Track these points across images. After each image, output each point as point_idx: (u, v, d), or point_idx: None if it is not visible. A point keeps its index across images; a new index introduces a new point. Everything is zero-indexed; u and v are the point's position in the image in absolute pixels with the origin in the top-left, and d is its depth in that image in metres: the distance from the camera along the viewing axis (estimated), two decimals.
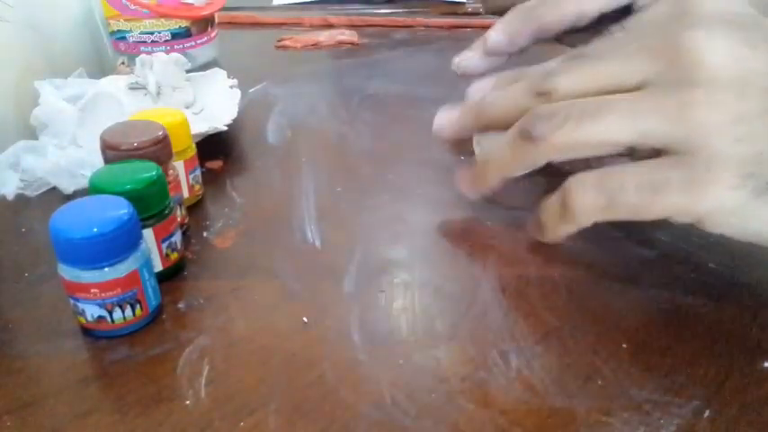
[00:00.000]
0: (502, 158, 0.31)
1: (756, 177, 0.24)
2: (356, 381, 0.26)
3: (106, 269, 0.26)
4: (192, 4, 0.59)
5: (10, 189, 0.39)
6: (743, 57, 0.25)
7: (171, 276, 0.32)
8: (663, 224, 0.35)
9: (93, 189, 0.29)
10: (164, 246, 0.31)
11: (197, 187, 0.39)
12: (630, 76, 0.27)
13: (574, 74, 0.29)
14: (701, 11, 0.26)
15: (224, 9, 0.65)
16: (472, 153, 0.34)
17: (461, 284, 0.31)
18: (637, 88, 0.27)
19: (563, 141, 0.28)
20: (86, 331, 0.28)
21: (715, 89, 0.25)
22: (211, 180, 0.41)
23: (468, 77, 0.36)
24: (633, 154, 0.27)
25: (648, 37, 0.27)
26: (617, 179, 0.27)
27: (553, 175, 0.30)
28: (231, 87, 0.48)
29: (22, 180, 0.39)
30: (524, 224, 0.35)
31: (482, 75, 0.35)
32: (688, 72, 0.25)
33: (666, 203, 0.26)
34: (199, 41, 0.61)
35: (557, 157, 0.29)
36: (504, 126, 0.31)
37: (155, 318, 0.29)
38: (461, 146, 0.35)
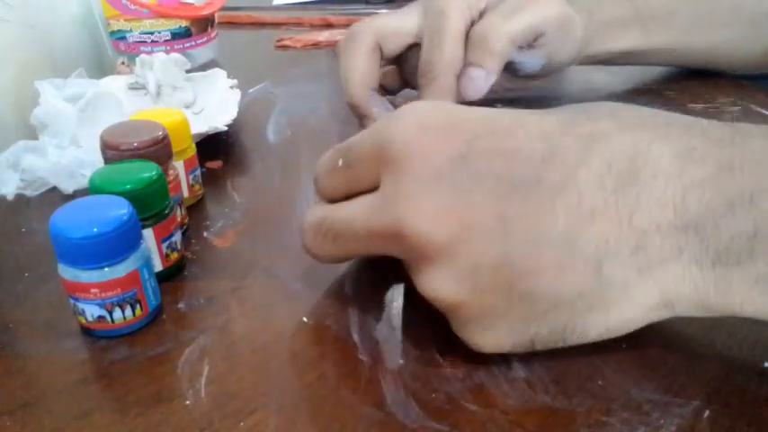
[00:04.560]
0: None
1: (520, 344, 0.25)
2: (356, 381, 0.26)
3: (106, 269, 0.26)
4: (192, 4, 0.59)
5: (10, 189, 0.39)
6: (457, 231, 0.24)
7: (171, 276, 0.32)
8: None
9: (93, 189, 0.29)
10: (164, 246, 0.31)
11: (197, 187, 0.39)
12: (380, 251, 0.27)
13: (325, 251, 0.28)
14: (403, 161, 0.24)
15: (224, 9, 0.65)
16: None
17: None
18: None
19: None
20: (86, 331, 0.28)
21: (440, 278, 0.24)
22: (211, 180, 0.41)
23: None
24: None
25: (370, 209, 0.26)
26: None
27: None
28: (231, 87, 0.48)
29: (22, 180, 0.39)
30: None
31: None
32: (414, 258, 0.25)
33: None
34: (199, 41, 0.61)
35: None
36: None
37: (155, 318, 0.29)
38: None
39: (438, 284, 0.24)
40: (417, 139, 0.25)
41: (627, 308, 0.24)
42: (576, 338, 0.25)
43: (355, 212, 0.26)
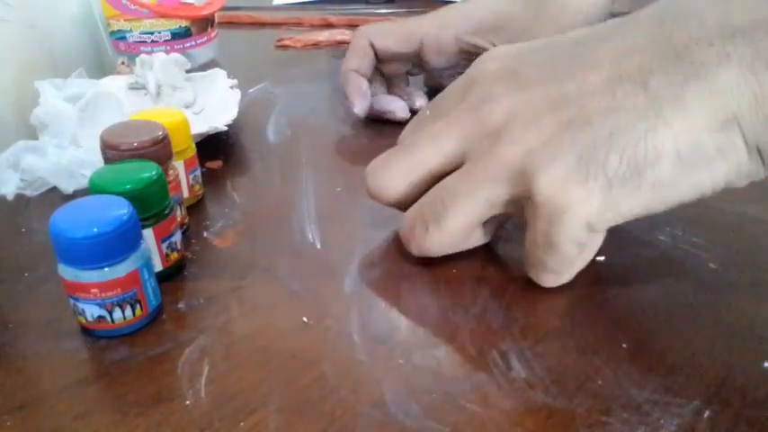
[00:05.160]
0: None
1: (594, 177, 0.26)
2: (356, 381, 0.26)
3: (106, 269, 0.26)
4: (192, 4, 0.59)
5: (10, 189, 0.39)
6: (520, 101, 0.28)
7: (171, 276, 0.32)
8: (663, 225, 0.35)
9: (93, 189, 0.29)
10: (164, 246, 0.31)
11: (197, 187, 0.39)
12: (450, 156, 0.30)
13: (397, 168, 0.32)
14: (482, 76, 0.30)
15: (224, 9, 0.65)
16: None
17: (461, 284, 0.31)
18: (460, 160, 0.30)
19: (437, 244, 0.31)
20: (86, 331, 0.28)
21: (512, 135, 0.28)
22: (211, 180, 0.41)
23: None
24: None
25: (451, 111, 0.31)
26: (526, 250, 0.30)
27: None
28: (231, 87, 0.48)
29: (22, 180, 0.39)
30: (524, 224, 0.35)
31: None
32: (488, 133, 0.28)
33: (559, 253, 0.28)
34: (199, 41, 0.61)
35: (447, 250, 0.31)
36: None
37: (155, 318, 0.29)
38: None
39: (512, 141, 0.27)
40: (491, 62, 0.30)
41: (687, 121, 0.24)
42: (652, 173, 0.25)
43: (438, 125, 0.31)
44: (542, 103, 0.27)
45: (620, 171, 0.25)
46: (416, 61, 0.51)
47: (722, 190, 0.26)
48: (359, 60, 0.49)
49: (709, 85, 0.24)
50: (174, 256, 0.32)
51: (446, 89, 0.33)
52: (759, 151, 0.25)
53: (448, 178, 0.30)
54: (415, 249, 0.31)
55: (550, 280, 0.30)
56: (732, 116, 0.24)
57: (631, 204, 0.26)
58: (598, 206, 0.26)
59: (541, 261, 0.29)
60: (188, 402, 0.25)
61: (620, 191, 0.26)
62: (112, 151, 0.32)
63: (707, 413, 0.24)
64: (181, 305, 0.30)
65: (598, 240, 0.29)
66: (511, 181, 0.28)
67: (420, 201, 0.31)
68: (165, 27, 0.59)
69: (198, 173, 0.39)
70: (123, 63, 0.58)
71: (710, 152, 0.25)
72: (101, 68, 0.62)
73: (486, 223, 0.31)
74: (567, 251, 0.28)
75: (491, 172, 0.28)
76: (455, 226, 0.30)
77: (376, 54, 0.50)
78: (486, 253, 0.34)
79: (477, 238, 0.32)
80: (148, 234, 0.30)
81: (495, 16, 0.48)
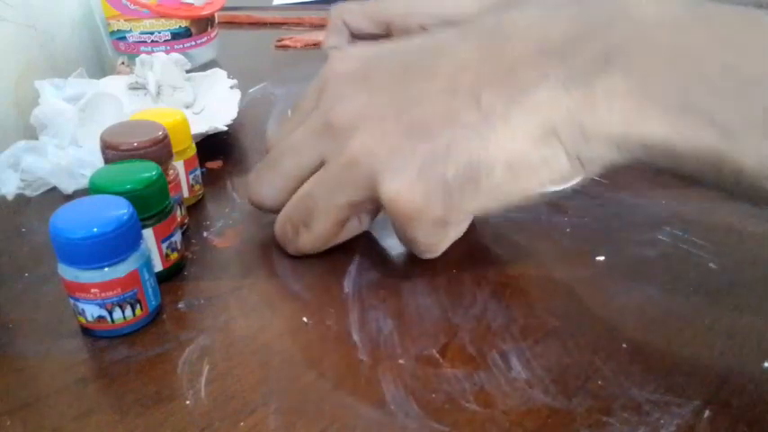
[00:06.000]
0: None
1: (435, 187, 0.27)
2: (356, 381, 0.26)
3: (106, 269, 0.26)
4: (192, 4, 0.59)
5: (10, 189, 0.39)
6: (367, 104, 0.30)
7: (171, 276, 0.32)
8: (663, 225, 0.35)
9: (94, 189, 0.29)
10: (164, 246, 0.31)
11: (197, 187, 0.39)
12: (310, 163, 0.31)
13: (268, 182, 0.33)
14: (333, 77, 0.32)
15: (224, 9, 0.65)
16: None
17: (461, 284, 0.31)
18: (320, 164, 0.31)
19: (311, 245, 0.32)
20: (86, 331, 0.28)
21: (359, 139, 0.29)
22: (211, 180, 0.41)
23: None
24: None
25: (308, 118, 0.32)
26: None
27: None
28: (231, 87, 0.48)
29: (22, 180, 0.39)
30: (524, 224, 0.35)
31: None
32: (338, 135, 0.30)
33: (420, 243, 0.30)
34: (199, 41, 0.61)
35: (323, 248, 0.33)
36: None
37: (155, 318, 0.29)
38: None
39: (359, 144, 0.29)
40: (343, 63, 0.32)
41: (515, 136, 0.27)
42: (486, 181, 0.27)
43: (296, 134, 0.32)
44: (386, 107, 0.29)
45: (457, 180, 0.27)
46: None
47: (548, 193, 0.28)
48: (336, 37, 0.51)
49: (530, 103, 0.26)
50: (174, 256, 0.32)
51: (307, 88, 0.34)
52: (579, 159, 0.27)
53: (307, 184, 0.31)
54: (291, 250, 0.33)
55: (426, 256, 0.32)
56: (551, 130, 0.26)
57: (472, 205, 0.28)
58: (441, 210, 0.28)
59: (410, 246, 0.31)
60: (188, 402, 0.25)
61: (459, 196, 0.27)
62: (112, 151, 0.32)
63: (707, 413, 0.24)
64: (181, 305, 0.30)
65: (464, 221, 0.31)
66: (363, 185, 0.29)
67: (287, 206, 0.32)
68: (165, 27, 0.59)
69: (198, 173, 0.39)
70: (123, 63, 0.58)
71: (535, 162, 0.27)
72: (101, 68, 0.62)
73: (361, 213, 0.33)
74: (428, 242, 0.30)
75: (344, 178, 0.29)
76: (324, 228, 0.31)
77: (351, 33, 0.51)
78: (485, 253, 0.34)
79: (353, 230, 0.33)
80: (148, 234, 0.30)
81: (459, 12, 0.48)
